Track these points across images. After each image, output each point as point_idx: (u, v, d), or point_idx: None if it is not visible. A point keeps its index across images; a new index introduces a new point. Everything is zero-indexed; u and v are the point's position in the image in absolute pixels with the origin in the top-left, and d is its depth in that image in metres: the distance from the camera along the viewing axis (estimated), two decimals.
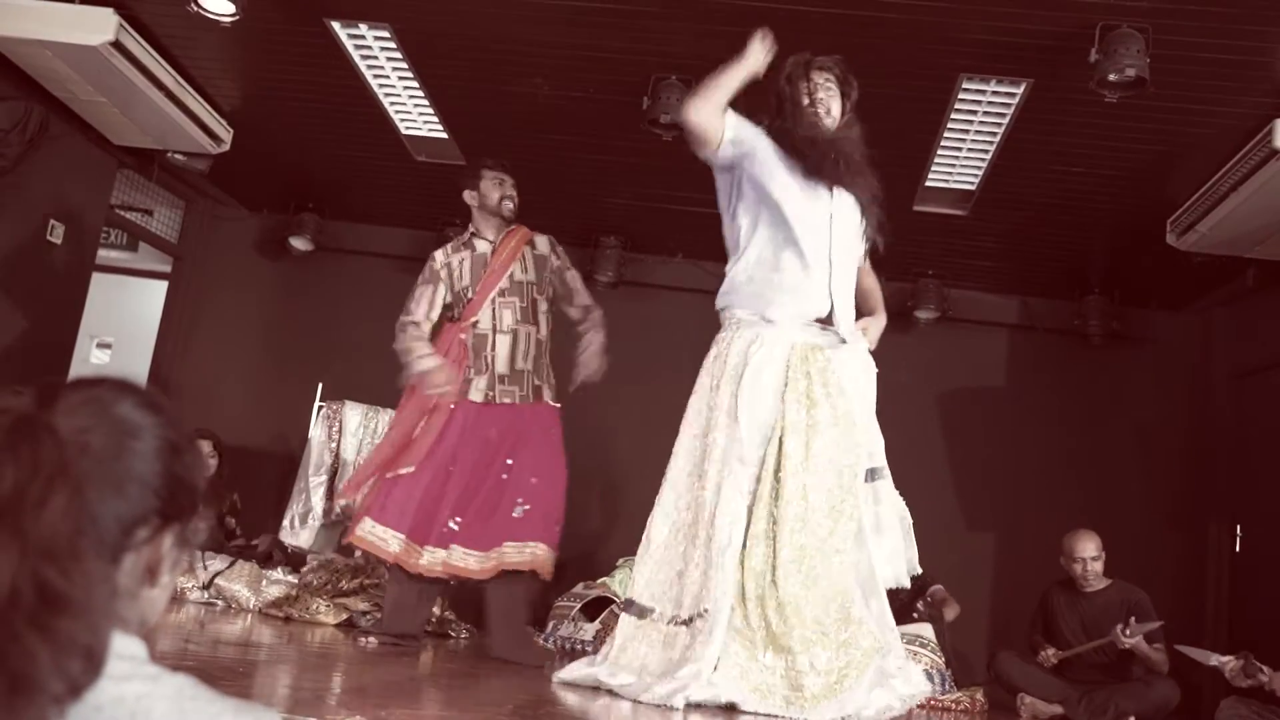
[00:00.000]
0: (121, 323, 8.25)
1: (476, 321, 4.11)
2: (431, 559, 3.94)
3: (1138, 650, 4.73)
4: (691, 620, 3.07)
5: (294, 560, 5.89)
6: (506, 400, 4.05)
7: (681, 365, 5.13)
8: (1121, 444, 6.81)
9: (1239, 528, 6.33)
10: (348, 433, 6.51)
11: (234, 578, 5.39)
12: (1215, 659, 4.40)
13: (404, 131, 5.79)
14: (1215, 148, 4.78)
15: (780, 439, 3.10)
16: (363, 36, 4.83)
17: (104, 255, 7.05)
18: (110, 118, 5.57)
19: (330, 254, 7.38)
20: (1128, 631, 4.68)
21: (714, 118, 3.29)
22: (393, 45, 4.86)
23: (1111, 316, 6.77)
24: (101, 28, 4.66)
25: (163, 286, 7.62)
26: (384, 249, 7.45)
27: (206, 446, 6.18)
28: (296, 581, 5.44)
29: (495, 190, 4.20)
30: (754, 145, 3.32)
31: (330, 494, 6.42)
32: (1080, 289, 6.82)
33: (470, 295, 4.13)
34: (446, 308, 4.20)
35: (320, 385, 6.72)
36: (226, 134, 5.85)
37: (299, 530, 6.32)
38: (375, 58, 5.02)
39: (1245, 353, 6.42)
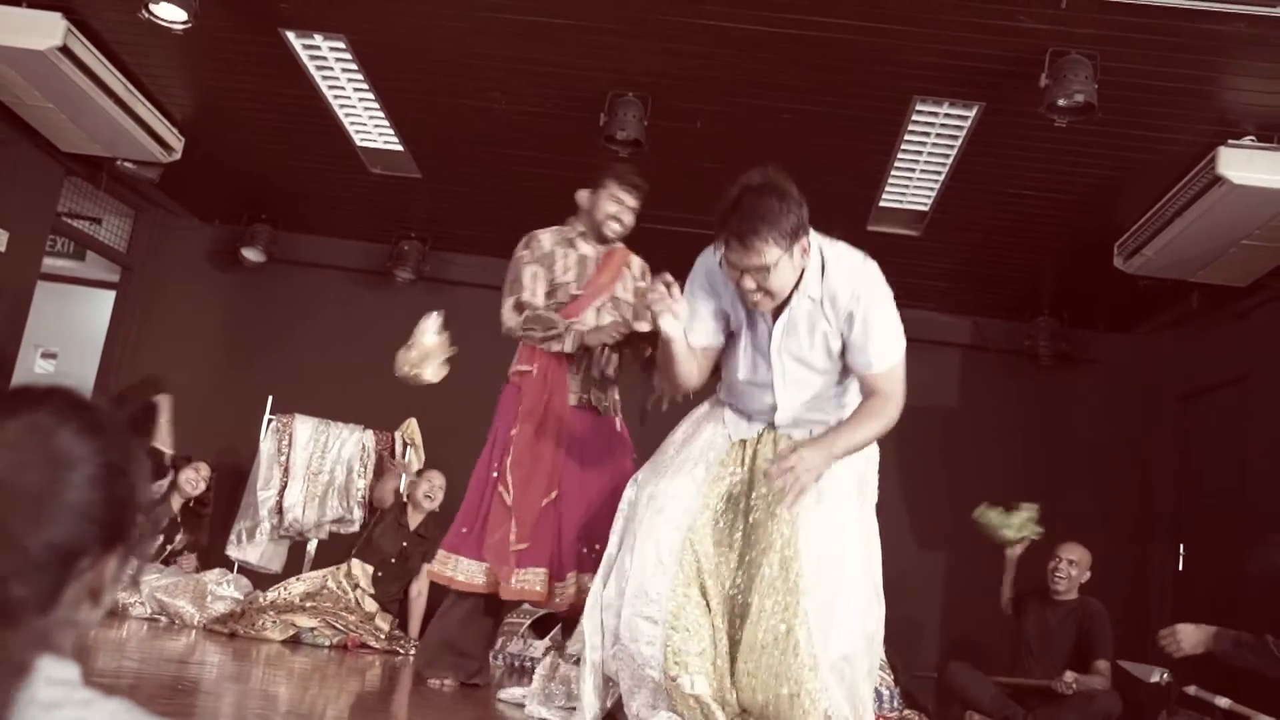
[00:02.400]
0: (67, 332, 8.11)
1: (581, 321, 3.79)
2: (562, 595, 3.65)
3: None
4: (578, 661, 3.07)
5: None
6: (595, 404, 3.77)
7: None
8: (1069, 463, 6.90)
9: (1182, 546, 6.43)
10: (298, 446, 6.43)
11: (178, 593, 5.29)
12: (1157, 674, 4.47)
13: (359, 143, 5.76)
14: (1161, 173, 4.87)
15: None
16: (318, 47, 4.79)
17: (50, 264, 6.93)
18: (58, 124, 5.48)
19: (283, 265, 7.31)
20: (1074, 684, 4.78)
21: (698, 377, 2.99)
22: (348, 56, 4.83)
23: (1060, 338, 6.88)
24: (49, 33, 4.59)
25: (110, 296, 7.50)
26: (337, 261, 7.40)
27: (205, 470, 6.08)
28: (242, 597, 5.36)
29: (610, 205, 3.81)
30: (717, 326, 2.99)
31: (279, 508, 6.35)
32: (1030, 310, 6.92)
33: (574, 292, 3.80)
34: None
35: (271, 398, 6.64)
36: (178, 143, 5.78)
37: (246, 545, 6.23)
38: (330, 69, 4.98)
39: (1189, 375, 6.54)
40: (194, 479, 6.00)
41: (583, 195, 3.88)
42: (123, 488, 0.92)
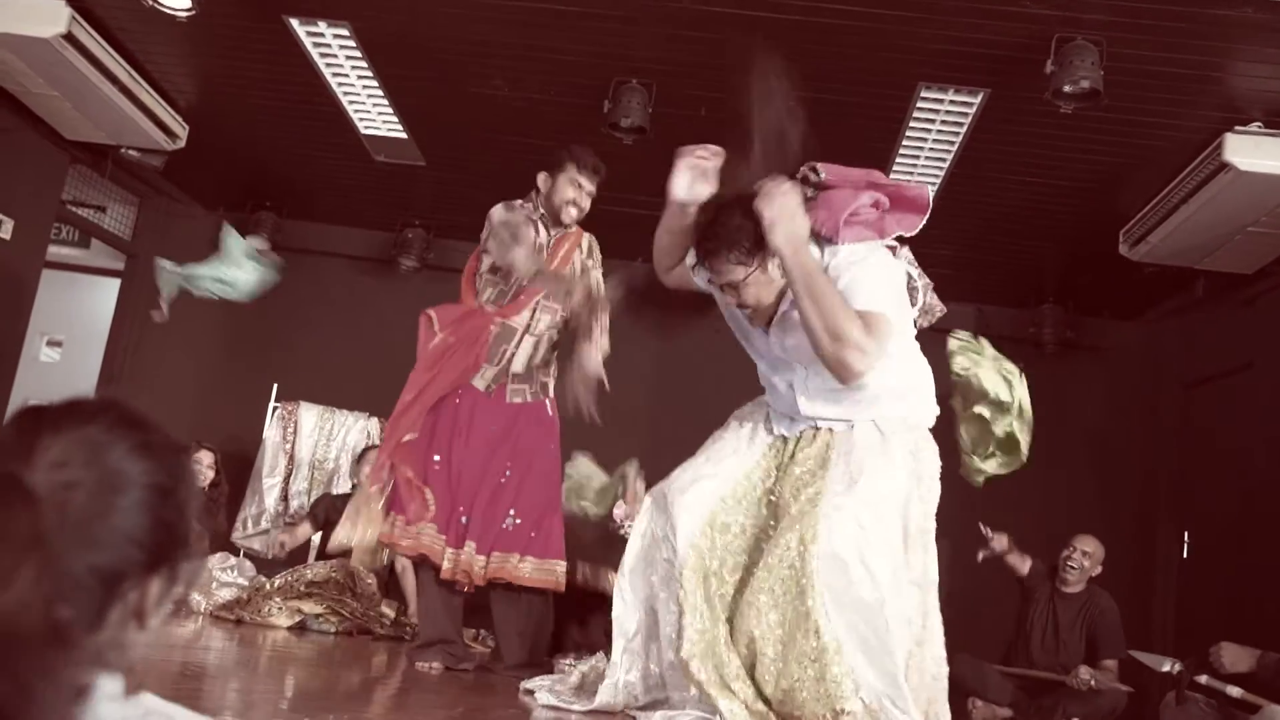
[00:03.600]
0: (73, 321, 8.11)
1: (511, 318, 3.84)
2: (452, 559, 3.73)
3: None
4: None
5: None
6: (516, 400, 3.84)
7: (641, 371, 5.14)
8: (1073, 451, 6.88)
9: (1187, 534, 6.43)
10: (303, 434, 6.45)
11: None
12: (1168, 664, 4.48)
13: (363, 131, 5.75)
14: (1167, 160, 4.86)
15: None
16: (322, 34, 4.79)
17: (55, 252, 6.93)
18: (62, 112, 5.47)
19: (287, 253, 7.27)
20: (1090, 681, 4.77)
21: (671, 278, 3.04)
22: (352, 44, 4.82)
23: (1065, 325, 6.87)
24: (53, 19, 4.58)
25: (115, 284, 7.51)
26: (342, 249, 7.40)
27: (208, 458, 5.98)
28: (248, 584, 5.38)
29: (568, 190, 3.83)
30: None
31: (285, 495, 6.36)
32: (1035, 298, 6.91)
33: (521, 286, 3.83)
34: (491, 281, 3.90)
35: (275, 386, 6.65)
36: (182, 130, 5.78)
37: (252, 532, 6.25)
38: (334, 56, 4.98)
39: (1194, 362, 6.53)
40: (198, 471, 5.94)
41: (542, 177, 3.89)
42: (170, 511, 0.91)
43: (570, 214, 3.85)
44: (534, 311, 3.86)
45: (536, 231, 3.89)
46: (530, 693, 3.23)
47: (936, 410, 3.06)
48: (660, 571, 2.90)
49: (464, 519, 3.73)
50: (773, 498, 2.91)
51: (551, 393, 3.94)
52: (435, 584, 3.78)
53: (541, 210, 3.91)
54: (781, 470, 2.92)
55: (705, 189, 2.81)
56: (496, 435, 3.79)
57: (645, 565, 2.96)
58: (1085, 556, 5.13)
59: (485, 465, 3.79)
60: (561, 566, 3.85)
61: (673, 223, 2.91)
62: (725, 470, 2.94)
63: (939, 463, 2.98)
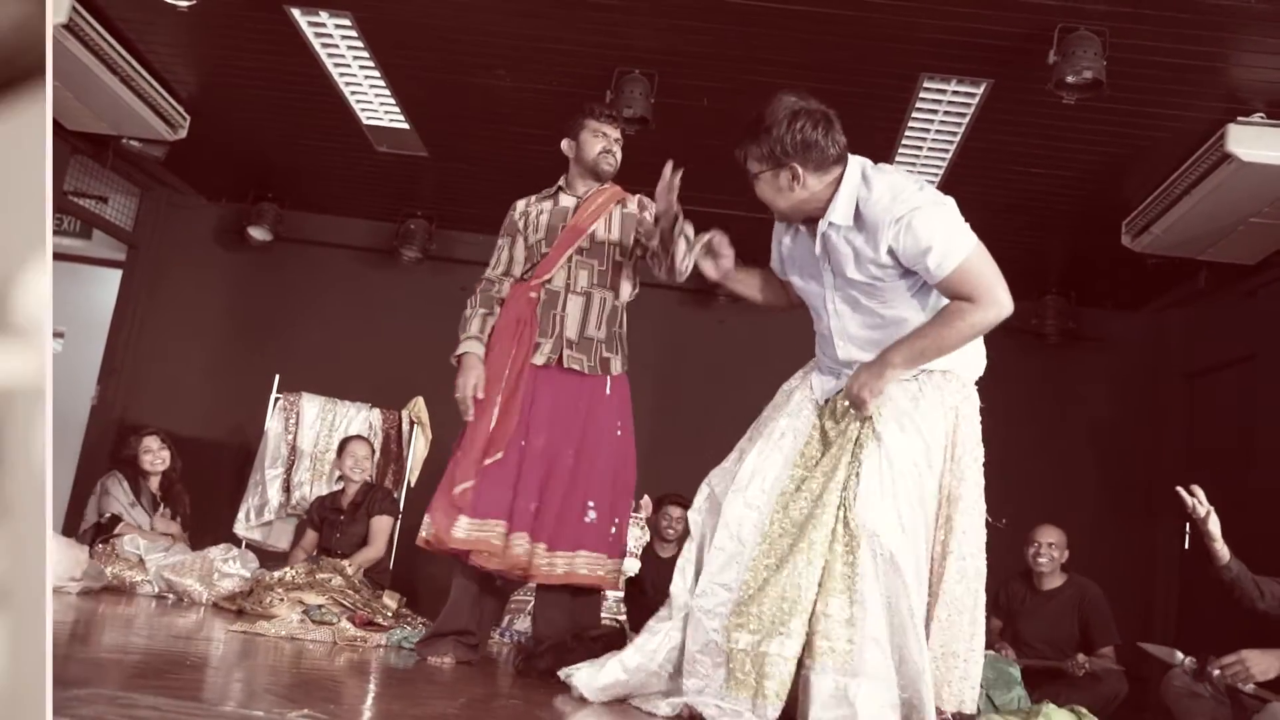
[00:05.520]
0: (74, 311, 8.12)
1: (549, 280, 3.71)
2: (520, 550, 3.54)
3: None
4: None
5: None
6: (574, 366, 3.67)
7: (644, 362, 5.13)
8: (1076, 442, 6.90)
9: (1188, 525, 6.43)
10: (305, 424, 6.45)
11: (185, 571, 5.32)
12: (1179, 656, 4.47)
13: (365, 121, 5.75)
14: (1170, 151, 4.85)
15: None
16: (323, 24, 4.78)
17: (56, 242, 6.95)
18: (63, 102, 5.46)
19: (289, 244, 7.32)
20: (1086, 664, 4.78)
21: (776, 299, 3.20)
22: (354, 34, 4.82)
23: (1068, 316, 6.87)
24: (55, 10, 4.56)
25: (117, 275, 7.52)
26: (344, 240, 7.41)
27: (154, 443, 5.84)
28: (250, 575, 5.39)
29: (596, 142, 3.75)
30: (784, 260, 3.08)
31: (287, 487, 6.37)
32: (1038, 289, 6.91)
33: (544, 250, 3.72)
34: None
35: (277, 376, 6.66)
36: (184, 121, 5.77)
37: (254, 523, 6.26)
38: (336, 46, 4.97)
39: (1197, 353, 6.53)
40: (153, 459, 5.78)
41: (565, 144, 3.84)
42: None
43: (609, 162, 3.77)
44: (568, 270, 3.74)
45: (556, 203, 3.82)
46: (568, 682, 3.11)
47: (984, 361, 3.04)
48: (717, 560, 2.84)
49: (531, 509, 3.59)
50: (824, 465, 2.88)
51: (615, 370, 3.77)
52: (465, 574, 3.66)
53: (563, 182, 3.85)
54: (826, 431, 2.93)
55: (727, 260, 3.04)
56: (559, 411, 3.64)
57: (703, 552, 2.90)
58: (1052, 548, 5.12)
59: (554, 452, 3.63)
60: (616, 564, 3.71)
61: (741, 292, 3.17)
62: (785, 449, 2.93)
63: (979, 423, 2.98)
